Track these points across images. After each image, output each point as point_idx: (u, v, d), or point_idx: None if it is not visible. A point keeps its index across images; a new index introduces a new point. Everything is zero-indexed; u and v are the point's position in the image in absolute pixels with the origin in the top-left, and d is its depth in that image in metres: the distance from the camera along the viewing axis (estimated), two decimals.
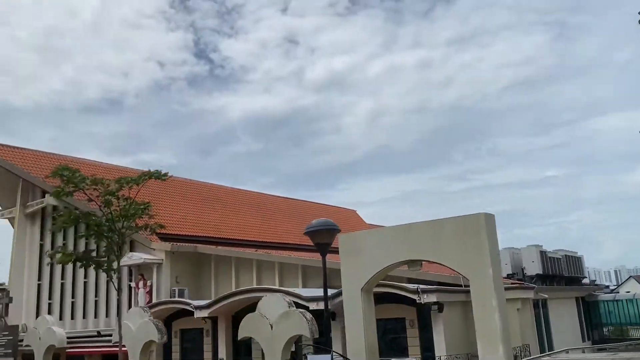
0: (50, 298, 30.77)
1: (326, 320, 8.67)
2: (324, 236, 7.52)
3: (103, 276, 30.45)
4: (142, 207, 6.58)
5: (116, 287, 7.28)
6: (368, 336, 9.47)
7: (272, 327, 8.44)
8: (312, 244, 37.13)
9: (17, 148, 31.70)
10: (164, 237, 30.52)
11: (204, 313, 23.50)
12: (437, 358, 19.41)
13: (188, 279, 29.35)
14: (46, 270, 31.09)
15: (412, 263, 9.69)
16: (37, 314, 30.60)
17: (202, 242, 31.28)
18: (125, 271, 29.98)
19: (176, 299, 26.57)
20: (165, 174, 7.03)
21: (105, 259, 6.99)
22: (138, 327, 10.56)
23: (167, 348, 26.17)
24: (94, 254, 8.08)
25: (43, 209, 31.22)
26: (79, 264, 29.83)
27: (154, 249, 29.08)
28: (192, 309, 23.58)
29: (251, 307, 25.43)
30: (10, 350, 13.82)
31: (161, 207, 33.86)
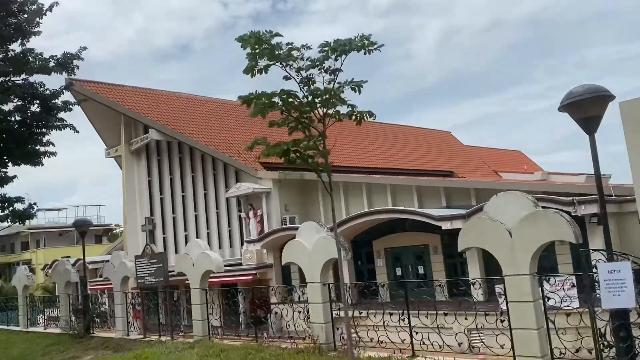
0: (164, 233, 31.13)
1: (604, 223, 6.88)
2: (590, 107, 5.53)
3: (213, 209, 30.47)
4: (355, 84, 4.84)
5: (329, 190, 5.76)
6: None
7: (511, 234, 6.77)
8: (419, 167, 34.96)
9: (115, 85, 31.43)
10: (270, 167, 29.80)
11: None
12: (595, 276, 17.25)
13: (297, 207, 28.61)
14: (157, 206, 31.34)
15: None
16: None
17: (308, 169, 30.24)
18: (233, 202, 29.71)
19: (289, 225, 25.94)
20: (375, 44, 5.21)
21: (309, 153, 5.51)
22: (315, 243, 9.19)
23: (285, 274, 25.82)
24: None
25: (147, 145, 31.11)
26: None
27: (261, 178, 28.41)
28: None
29: (371, 230, 24.58)
30: (161, 278, 13.23)
31: (265, 135, 32.98)
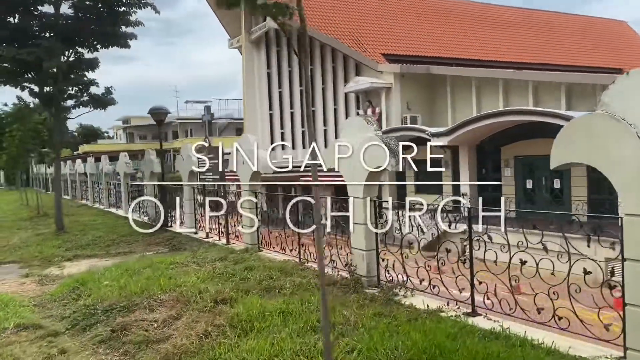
0: (282, 128, 30.19)
1: None
2: None
3: (330, 105, 28.54)
4: None
5: (301, 56, 3.34)
6: None
7: None
8: (578, 63, 29.04)
9: None
10: (393, 59, 26.72)
11: (443, 141, 19.74)
12: None
13: (421, 105, 25.51)
14: (275, 99, 30.26)
15: None
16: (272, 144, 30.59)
17: (436, 63, 26.64)
18: (352, 98, 27.45)
19: (408, 125, 23.22)
20: None
21: None
22: (357, 146, 6.60)
23: (399, 178, 23.46)
24: None
25: (266, 35, 29.51)
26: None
27: (382, 72, 25.60)
28: (428, 137, 19.95)
29: (500, 135, 20.93)
30: (217, 176, 11.80)
31: (389, 23, 29.56)
